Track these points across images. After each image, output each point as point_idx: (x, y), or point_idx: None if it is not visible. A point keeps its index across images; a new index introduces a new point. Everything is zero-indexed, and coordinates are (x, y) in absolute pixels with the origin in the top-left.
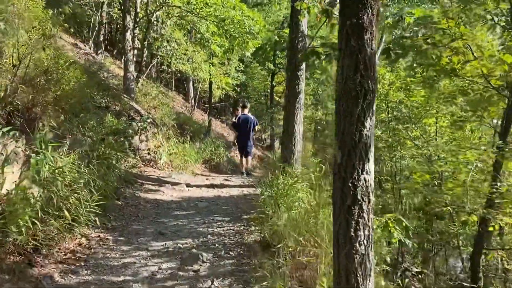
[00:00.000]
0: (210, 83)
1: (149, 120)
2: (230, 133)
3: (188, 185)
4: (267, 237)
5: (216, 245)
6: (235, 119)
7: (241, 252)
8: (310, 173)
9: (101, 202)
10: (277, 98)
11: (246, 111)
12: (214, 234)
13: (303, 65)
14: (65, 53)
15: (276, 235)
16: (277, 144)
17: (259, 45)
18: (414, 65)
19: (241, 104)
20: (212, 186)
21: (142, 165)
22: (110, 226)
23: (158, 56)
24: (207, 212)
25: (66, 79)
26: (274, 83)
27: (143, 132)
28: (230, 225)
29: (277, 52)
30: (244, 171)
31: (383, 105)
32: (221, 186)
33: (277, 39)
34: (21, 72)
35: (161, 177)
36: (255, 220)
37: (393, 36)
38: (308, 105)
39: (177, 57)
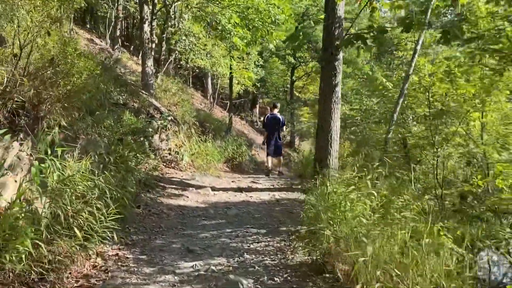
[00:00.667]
0: (231, 78)
1: (170, 118)
2: (250, 130)
3: (213, 189)
4: (319, 259)
5: (256, 267)
6: (264, 118)
7: (288, 278)
8: (359, 177)
9: (119, 215)
10: (297, 94)
11: (276, 111)
12: (251, 251)
13: (340, 55)
14: (74, 39)
15: (331, 256)
16: (297, 141)
17: (291, 34)
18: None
19: (271, 104)
20: (240, 189)
21: (163, 166)
22: (130, 241)
23: (176, 52)
24: (238, 221)
25: (77, 71)
26: (294, 78)
27: (164, 130)
28: (268, 239)
29: (300, 44)
30: (270, 170)
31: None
32: (249, 189)
33: (313, 24)
34: (23, 63)
35: (184, 179)
36: (299, 236)
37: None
38: None
39: (196, 52)
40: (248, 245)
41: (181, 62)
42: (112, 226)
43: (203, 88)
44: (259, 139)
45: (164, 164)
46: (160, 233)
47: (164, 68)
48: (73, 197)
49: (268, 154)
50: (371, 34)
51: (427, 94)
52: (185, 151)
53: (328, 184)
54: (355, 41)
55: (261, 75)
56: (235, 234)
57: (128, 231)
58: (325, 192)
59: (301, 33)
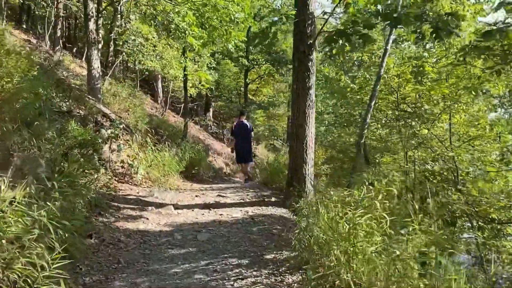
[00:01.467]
0: (185, 81)
1: (121, 126)
2: (206, 135)
3: (176, 207)
4: None
5: None
6: (232, 126)
7: None
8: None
9: (65, 253)
10: (251, 96)
11: (243, 118)
12: None
13: (313, 55)
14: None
15: None
16: (253, 145)
17: (260, 29)
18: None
19: (239, 112)
20: (207, 206)
21: (116, 182)
22: (82, 286)
23: (124, 53)
24: (213, 249)
25: (6, 72)
26: (248, 81)
27: (115, 140)
28: (254, 273)
29: (250, 47)
30: (245, 177)
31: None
32: (217, 205)
33: (284, 20)
34: None
35: (140, 196)
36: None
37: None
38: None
39: (145, 53)
40: (232, 283)
41: (129, 65)
42: (57, 275)
43: (152, 92)
44: (216, 144)
45: (117, 179)
46: (118, 271)
47: (111, 71)
48: (4, 242)
49: (238, 162)
50: (357, 30)
51: (396, 95)
52: (139, 163)
53: (333, 206)
54: (338, 38)
55: (214, 77)
56: (212, 268)
57: (79, 271)
58: (328, 216)
59: (271, 30)
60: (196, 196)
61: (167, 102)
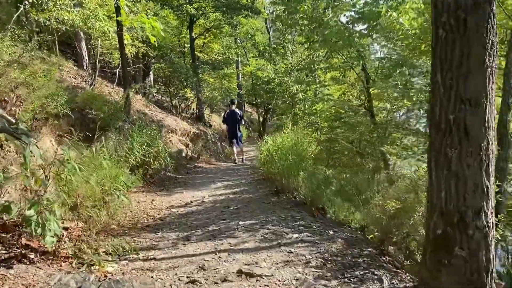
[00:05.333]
0: (120, 36)
1: None
2: (152, 107)
3: None
4: None
5: None
6: (224, 114)
7: None
8: None
9: None
10: (199, 54)
11: (233, 107)
12: None
13: None
14: None
15: None
16: (207, 112)
17: None
18: None
19: (229, 101)
20: None
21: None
22: None
23: (26, 2)
24: None
25: None
26: (194, 35)
27: None
28: None
29: None
30: (236, 159)
31: None
32: None
33: None
34: None
35: None
36: None
37: None
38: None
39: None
40: None
41: (40, 20)
42: None
43: (76, 57)
44: (168, 118)
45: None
46: None
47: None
48: None
49: (231, 144)
50: None
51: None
52: (49, 209)
53: None
54: None
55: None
56: None
57: None
58: None
59: None
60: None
61: (96, 67)
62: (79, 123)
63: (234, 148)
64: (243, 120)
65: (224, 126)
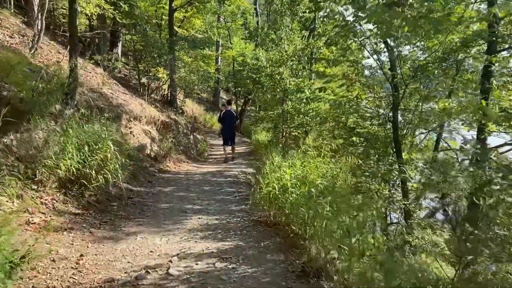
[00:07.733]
0: None
1: None
2: (114, 87)
3: None
4: None
5: None
6: (221, 114)
7: None
8: None
9: None
10: (178, 29)
11: (229, 107)
12: None
13: None
14: None
15: None
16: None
17: None
18: None
19: (226, 101)
20: None
21: None
22: None
23: None
24: None
25: None
26: (174, 6)
27: None
28: None
29: None
30: (227, 158)
31: None
32: None
33: None
34: None
35: None
36: None
37: None
38: None
39: None
40: None
41: None
42: None
43: (25, 10)
44: (132, 101)
45: None
46: None
47: None
48: None
49: (224, 144)
50: None
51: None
52: None
53: None
54: None
55: None
56: None
57: None
58: None
59: None
60: None
61: (43, 24)
62: None
63: (226, 148)
64: (237, 121)
65: (219, 125)
